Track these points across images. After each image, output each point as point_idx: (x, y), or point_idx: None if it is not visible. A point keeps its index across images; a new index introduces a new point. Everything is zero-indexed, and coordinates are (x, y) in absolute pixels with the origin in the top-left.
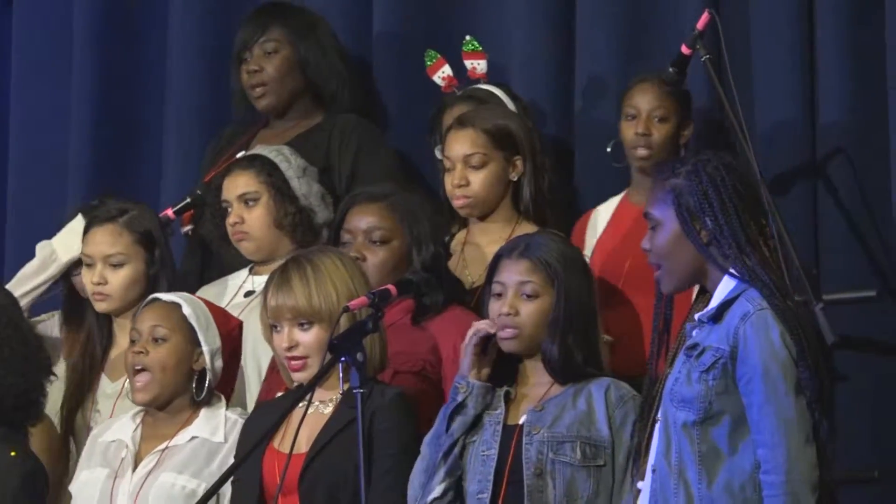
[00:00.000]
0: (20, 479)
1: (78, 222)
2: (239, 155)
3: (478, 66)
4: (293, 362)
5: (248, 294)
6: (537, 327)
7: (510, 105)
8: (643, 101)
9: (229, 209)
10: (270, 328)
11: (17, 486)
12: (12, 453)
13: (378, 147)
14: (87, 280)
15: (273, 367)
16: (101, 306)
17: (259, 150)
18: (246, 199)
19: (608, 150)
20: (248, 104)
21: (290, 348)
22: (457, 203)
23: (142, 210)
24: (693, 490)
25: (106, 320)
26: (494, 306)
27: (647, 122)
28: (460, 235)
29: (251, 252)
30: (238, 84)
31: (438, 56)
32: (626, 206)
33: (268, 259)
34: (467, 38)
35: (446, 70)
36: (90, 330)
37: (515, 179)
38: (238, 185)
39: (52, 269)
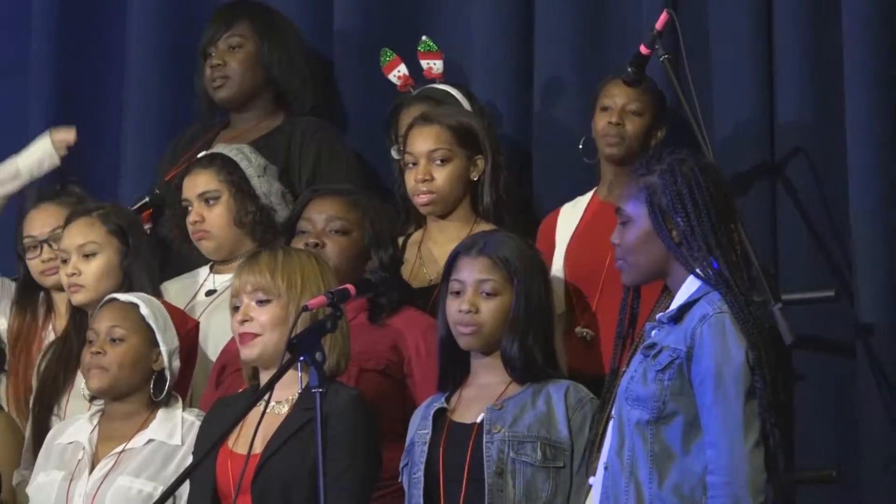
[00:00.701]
0: None
1: (43, 139)
2: (200, 155)
3: (434, 65)
4: (243, 336)
5: (209, 293)
6: (497, 325)
7: (466, 105)
8: (619, 93)
9: (189, 208)
10: (233, 311)
11: None
12: None
13: (339, 150)
14: (62, 275)
15: (222, 365)
16: (76, 298)
17: (219, 148)
18: (206, 198)
19: (580, 146)
20: (210, 103)
21: (242, 321)
22: (420, 199)
23: (117, 207)
24: (644, 490)
25: (83, 319)
26: (453, 304)
27: (622, 114)
28: (416, 235)
29: (211, 251)
30: (202, 81)
31: (394, 54)
32: (597, 204)
33: (228, 258)
34: (423, 38)
35: (402, 69)
36: (67, 328)
37: (476, 179)
38: (198, 183)
39: (19, 179)
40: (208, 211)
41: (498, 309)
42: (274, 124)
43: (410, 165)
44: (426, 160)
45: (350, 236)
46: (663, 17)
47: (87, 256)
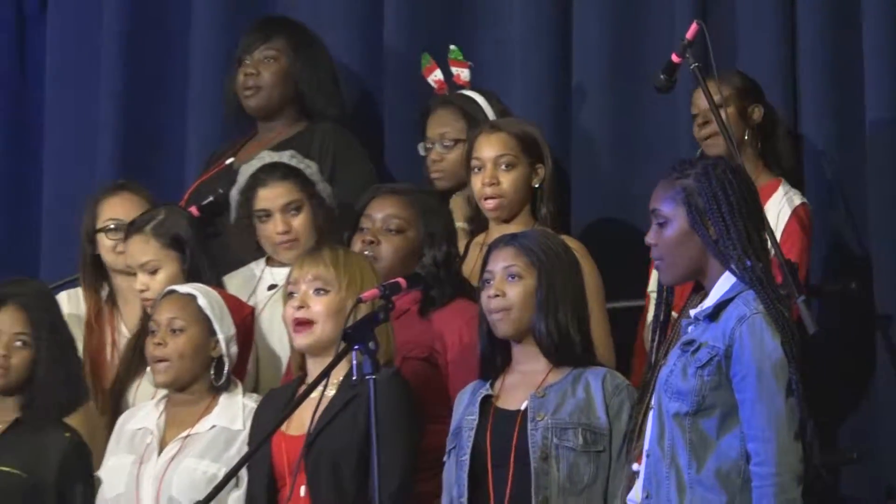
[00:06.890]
0: (78, 460)
1: None
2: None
3: (461, 73)
4: (297, 326)
5: (270, 287)
6: (525, 307)
7: (487, 109)
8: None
9: (265, 218)
10: (287, 298)
11: (77, 468)
12: (67, 434)
13: (354, 156)
14: (136, 288)
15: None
16: (150, 309)
17: (279, 157)
18: (290, 208)
19: None
20: (237, 107)
21: (300, 308)
22: (488, 204)
23: (169, 212)
24: (684, 475)
25: None
26: (485, 295)
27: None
28: (480, 237)
29: (294, 258)
30: (233, 85)
31: (432, 60)
32: None
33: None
34: (452, 47)
35: (437, 74)
36: (142, 323)
37: (537, 186)
38: (279, 194)
39: None
40: (293, 220)
41: (523, 291)
42: (296, 130)
43: (476, 170)
44: (492, 165)
45: (405, 235)
46: (693, 27)
47: (150, 273)
